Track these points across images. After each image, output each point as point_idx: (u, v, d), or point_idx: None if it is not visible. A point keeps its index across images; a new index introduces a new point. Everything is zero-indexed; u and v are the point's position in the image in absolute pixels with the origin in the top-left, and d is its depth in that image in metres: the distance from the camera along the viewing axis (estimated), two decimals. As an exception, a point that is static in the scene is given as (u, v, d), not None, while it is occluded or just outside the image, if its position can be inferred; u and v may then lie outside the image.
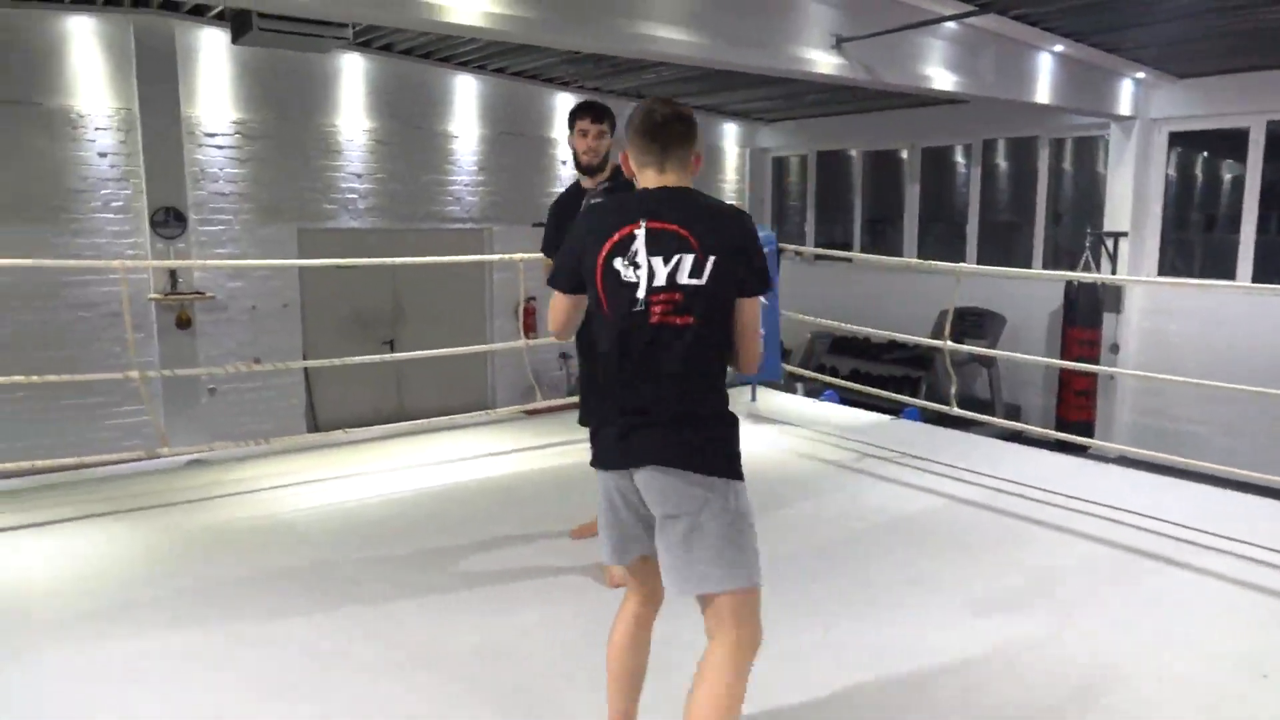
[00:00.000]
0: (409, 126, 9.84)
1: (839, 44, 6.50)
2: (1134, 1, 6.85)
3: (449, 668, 3.00)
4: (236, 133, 8.83)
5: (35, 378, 4.85)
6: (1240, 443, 8.44)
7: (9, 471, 4.78)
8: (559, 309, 2.40)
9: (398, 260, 8.25)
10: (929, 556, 3.97)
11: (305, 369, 9.34)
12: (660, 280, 2.16)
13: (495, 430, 6.04)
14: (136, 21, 8.07)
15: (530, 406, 6.43)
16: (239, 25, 7.46)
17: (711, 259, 2.15)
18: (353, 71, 9.40)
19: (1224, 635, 3.28)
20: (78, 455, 5.14)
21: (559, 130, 10.84)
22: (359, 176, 9.60)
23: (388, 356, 7.70)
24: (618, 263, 2.20)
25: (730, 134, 12.60)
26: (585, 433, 2.43)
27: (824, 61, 6.48)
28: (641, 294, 2.17)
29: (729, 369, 2.30)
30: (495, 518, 4.38)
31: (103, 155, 8.17)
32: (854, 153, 12.35)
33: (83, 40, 7.97)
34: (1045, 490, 4.80)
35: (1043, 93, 8.06)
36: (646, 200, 2.25)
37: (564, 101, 10.87)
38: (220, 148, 8.77)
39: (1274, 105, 8.63)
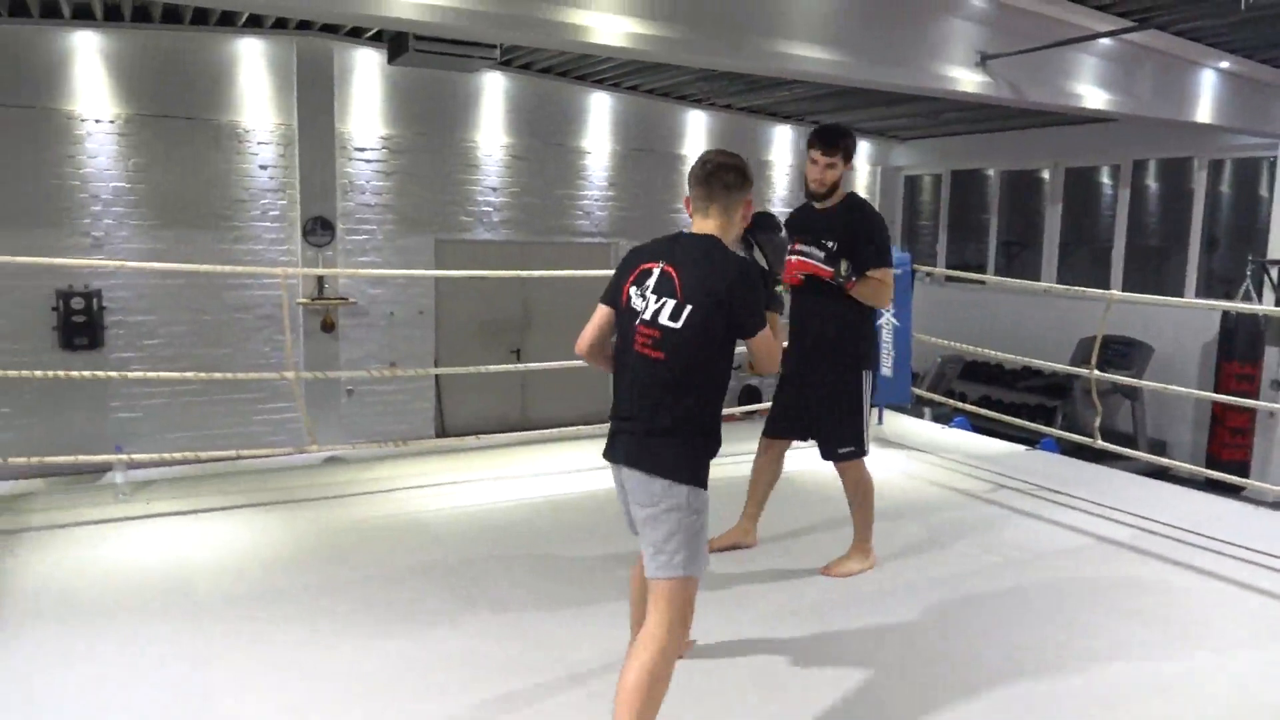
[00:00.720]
0: (544, 142, 10.12)
1: (983, 61, 6.33)
2: (1311, 15, 6.41)
3: (582, 674, 3.06)
4: (384, 147, 9.28)
5: (204, 374, 5.21)
6: None
7: (176, 460, 5.16)
8: (591, 320, 2.77)
9: (527, 272, 8.48)
10: (1072, 596, 3.79)
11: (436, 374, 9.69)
12: (648, 315, 2.54)
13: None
14: (300, 43, 8.61)
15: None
16: (396, 47, 7.84)
17: (689, 307, 2.48)
18: (493, 89, 9.74)
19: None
20: (230, 448, 5.49)
21: (689, 147, 10.92)
22: (495, 190, 9.93)
23: (515, 366, 7.92)
24: (634, 290, 2.60)
25: (862, 152, 12.39)
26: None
27: (967, 80, 6.32)
28: (637, 323, 2.56)
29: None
30: (620, 528, 4.43)
31: (263, 168, 8.73)
32: (991, 172, 11.96)
33: (251, 60, 8.56)
34: (1195, 533, 4.52)
35: (1204, 111, 7.62)
36: (672, 246, 2.61)
37: (695, 119, 10.96)
38: (368, 161, 9.23)
39: None
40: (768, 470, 4.08)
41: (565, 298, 10.54)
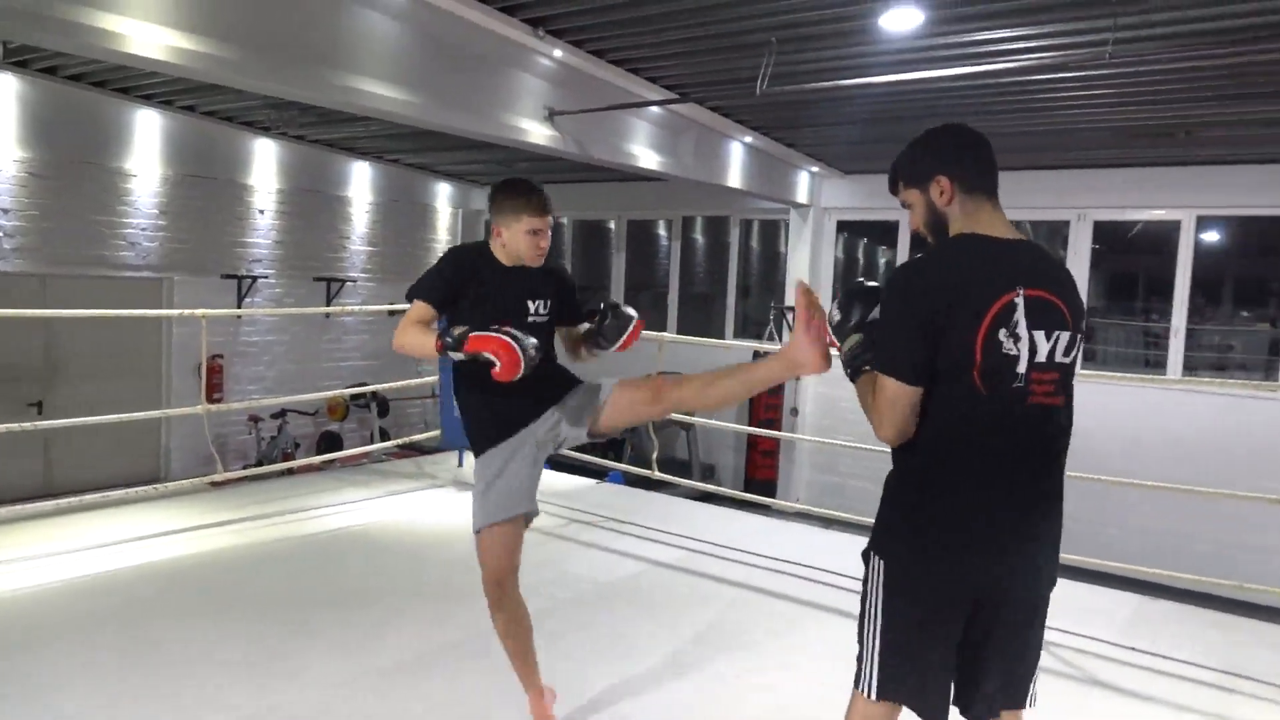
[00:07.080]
0: (75, 160, 8.75)
1: (551, 116, 6.69)
2: (804, 106, 7.72)
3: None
4: None
5: None
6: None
7: None
8: None
9: (49, 312, 7.25)
10: (629, 621, 4.05)
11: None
12: None
13: (171, 505, 5.38)
14: None
15: (216, 478, 5.81)
16: None
17: None
18: (3, 93, 8.22)
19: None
20: None
21: (256, 176, 10.16)
22: (6, 213, 8.35)
23: (34, 425, 6.63)
24: None
25: (443, 194, 12.51)
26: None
27: (537, 132, 6.63)
28: None
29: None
30: (174, 608, 3.88)
31: None
32: (565, 220, 12.73)
33: None
34: (733, 549, 5.11)
35: (734, 177, 8.81)
36: None
37: (263, 147, 10.22)
38: None
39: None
40: None
41: (105, 340, 9.19)
